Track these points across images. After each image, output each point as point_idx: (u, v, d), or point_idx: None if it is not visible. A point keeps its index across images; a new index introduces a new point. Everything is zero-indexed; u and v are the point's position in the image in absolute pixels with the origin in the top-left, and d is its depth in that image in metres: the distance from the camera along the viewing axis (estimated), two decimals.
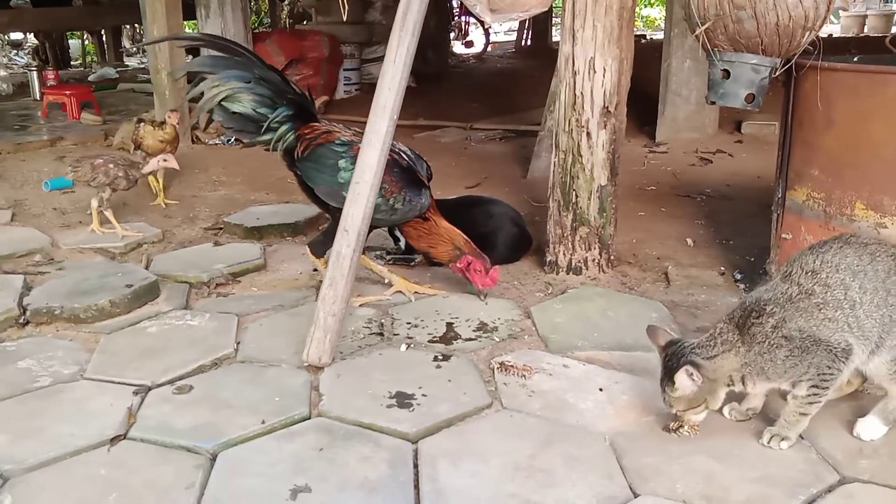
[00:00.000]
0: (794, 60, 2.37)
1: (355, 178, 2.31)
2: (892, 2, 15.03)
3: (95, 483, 1.76)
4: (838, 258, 1.80)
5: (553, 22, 12.30)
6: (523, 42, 12.09)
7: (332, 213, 2.71)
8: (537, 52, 10.83)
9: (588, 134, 2.86)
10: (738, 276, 2.97)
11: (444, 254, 2.78)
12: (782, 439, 1.84)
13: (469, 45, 12.23)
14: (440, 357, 2.34)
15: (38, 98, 7.08)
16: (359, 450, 1.87)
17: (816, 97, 2.34)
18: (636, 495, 1.70)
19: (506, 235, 3.15)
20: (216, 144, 5.53)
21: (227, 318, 2.63)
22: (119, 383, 2.20)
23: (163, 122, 4.06)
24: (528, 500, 1.68)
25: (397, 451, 1.87)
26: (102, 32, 11.48)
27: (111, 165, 3.41)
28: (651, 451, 1.85)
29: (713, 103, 2.51)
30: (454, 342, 2.45)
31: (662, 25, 8.53)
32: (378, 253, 3.20)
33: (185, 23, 6.02)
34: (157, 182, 4.08)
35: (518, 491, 1.72)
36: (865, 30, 13.42)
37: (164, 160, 3.50)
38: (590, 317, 2.62)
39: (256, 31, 8.44)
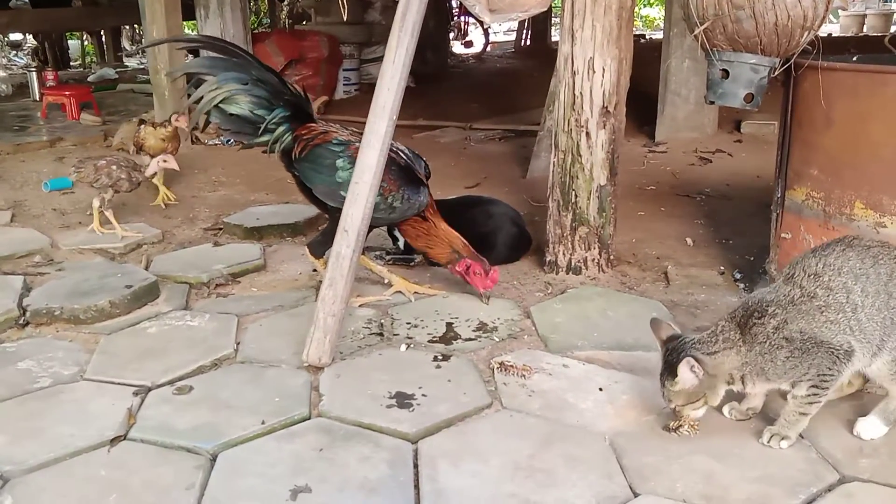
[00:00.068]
0: (793, 60, 2.37)
1: (355, 179, 2.31)
2: (891, 1, 15.03)
3: (95, 484, 1.76)
4: (841, 261, 1.80)
5: (552, 22, 12.29)
6: (522, 42, 12.09)
7: (331, 214, 2.71)
8: (536, 52, 10.83)
9: (587, 134, 2.86)
10: (738, 276, 2.97)
11: (442, 255, 2.79)
12: (782, 438, 1.84)
13: (468, 45, 12.22)
14: (440, 357, 2.34)
15: (38, 99, 7.08)
16: (359, 450, 1.87)
17: (815, 97, 2.34)
18: (636, 495, 1.70)
19: (505, 235, 3.15)
20: (216, 145, 5.53)
21: (227, 318, 2.63)
22: (119, 384, 2.20)
23: (164, 122, 4.06)
24: (527, 500, 1.68)
25: (397, 452, 1.87)
26: (102, 33, 11.48)
27: (114, 167, 3.41)
28: (651, 451, 1.85)
29: (712, 103, 2.51)
30: (454, 342, 2.45)
31: (661, 25, 8.54)
32: (378, 253, 3.20)
33: (184, 23, 6.02)
34: (161, 184, 4.06)
35: (518, 491, 1.72)
36: (865, 29, 13.42)
37: (164, 160, 3.50)
38: (589, 316, 2.62)
39: (256, 31, 8.43)
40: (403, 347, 2.42)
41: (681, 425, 1.89)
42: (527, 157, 4.80)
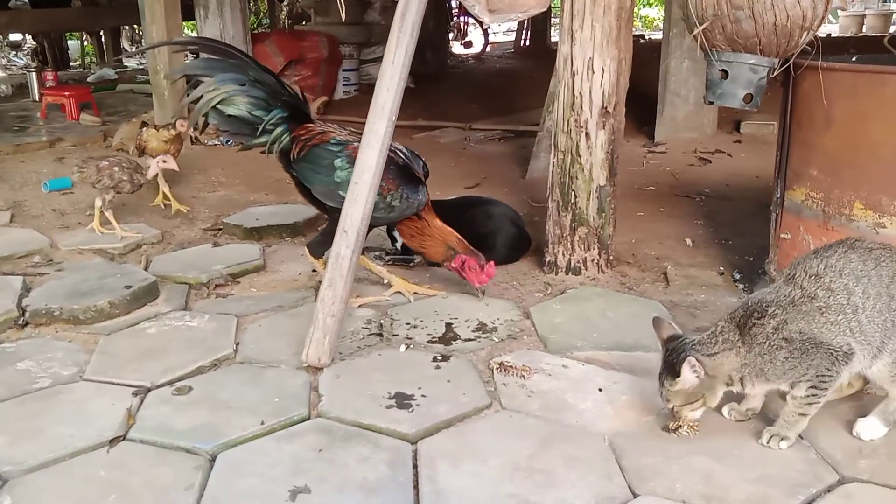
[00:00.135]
0: (792, 60, 2.37)
1: (354, 179, 2.31)
2: (890, 1, 15.04)
3: (95, 484, 1.76)
4: (842, 263, 1.80)
5: (552, 22, 12.28)
6: (522, 42, 12.09)
7: (330, 214, 2.71)
8: (536, 52, 10.82)
9: (587, 134, 2.86)
10: (737, 276, 2.97)
11: (438, 253, 2.79)
12: (781, 439, 1.84)
13: (468, 45, 12.22)
14: (439, 358, 2.34)
15: (37, 99, 7.07)
16: (358, 450, 1.87)
17: (815, 97, 2.34)
18: (635, 495, 1.70)
19: (505, 236, 3.15)
20: (215, 145, 5.52)
21: (227, 319, 2.63)
22: (118, 384, 2.20)
23: (167, 125, 4.05)
24: (527, 501, 1.68)
25: (397, 452, 1.87)
26: (101, 33, 11.47)
27: (115, 168, 3.41)
28: (650, 452, 1.85)
29: (711, 103, 2.51)
30: (453, 343, 2.45)
31: (661, 25, 8.54)
32: (377, 253, 3.20)
33: (184, 23, 6.01)
34: (166, 189, 4.02)
35: (517, 491, 1.72)
36: (864, 29, 13.42)
37: (164, 161, 3.50)
38: (589, 317, 2.62)
39: (255, 31, 8.43)
40: (403, 348, 2.41)
41: (680, 426, 1.89)
42: (526, 157, 4.80)
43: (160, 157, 3.56)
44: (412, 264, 3.14)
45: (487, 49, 11.87)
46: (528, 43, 11.93)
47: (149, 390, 2.17)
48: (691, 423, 1.89)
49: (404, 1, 2.29)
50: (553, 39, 11.47)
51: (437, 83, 8.18)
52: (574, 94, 2.84)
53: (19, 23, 8.93)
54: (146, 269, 3.11)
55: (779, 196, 2.63)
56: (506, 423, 2.00)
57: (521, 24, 11.72)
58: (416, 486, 1.74)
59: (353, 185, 2.31)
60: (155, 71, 5.49)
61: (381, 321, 2.63)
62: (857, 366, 1.80)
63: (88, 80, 8.71)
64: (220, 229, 3.67)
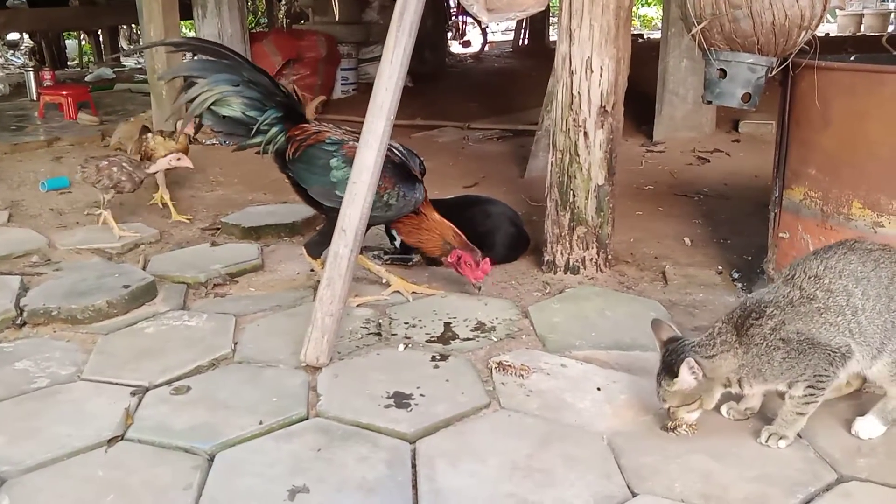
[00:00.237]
0: (790, 60, 2.37)
1: (352, 178, 2.31)
2: (888, 1, 15.04)
3: (93, 484, 1.76)
4: (842, 264, 1.80)
5: (550, 21, 12.29)
6: (520, 42, 12.09)
7: (327, 213, 2.71)
8: (534, 51, 10.82)
9: (585, 133, 2.86)
10: (736, 276, 2.97)
11: (435, 248, 2.78)
12: (780, 438, 1.84)
13: (466, 44, 12.21)
14: (438, 357, 2.34)
15: (35, 98, 7.06)
16: (357, 450, 1.87)
17: (813, 96, 2.34)
18: (634, 494, 1.70)
19: (503, 235, 3.15)
20: (213, 145, 5.52)
21: (225, 318, 2.63)
22: (116, 384, 2.20)
23: (172, 132, 4.03)
24: (525, 500, 1.68)
25: (395, 452, 1.87)
26: (99, 32, 11.46)
27: (115, 168, 3.41)
28: (649, 451, 1.85)
29: (710, 103, 2.51)
30: (452, 342, 2.45)
31: (659, 25, 8.54)
32: (375, 253, 3.20)
33: (182, 23, 6.01)
34: (167, 197, 3.99)
35: (516, 491, 1.72)
36: (862, 29, 13.42)
37: (178, 159, 3.48)
38: (587, 316, 2.62)
39: (253, 30, 8.42)
40: (401, 347, 2.41)
41: (679, 425, 1.89)
42: (525, 156, 4.80)
43: (172, 154, 3.53)
44: (411, 263, 3.14)
45: (486, 48, 11.86)
46: (526, 42, 11.93)
47: (147, 390, 2.17)
48: (687, 423, 1.89)
49: (402, 0, 2.29)
50: (551, 39, 11.47)
51: (436, 82, 8.17)
52: (572, 94, 2.84)
53: (17, 22, 8.92)
54: (144, 268, 3.10)
55: (777, 195, 2.63)
56: (504, 423, 2.00)
57: (519, 23, 11.72)
58: (414, 486, 1.74)
59: (351, 184, 2.30)
60: (153, 70, 5.49)
61: (380, 320, 2.63)
62: (855, 366, 1.80)
63: (86, 79, 8.70)
64: (219, 229, 3.67)
